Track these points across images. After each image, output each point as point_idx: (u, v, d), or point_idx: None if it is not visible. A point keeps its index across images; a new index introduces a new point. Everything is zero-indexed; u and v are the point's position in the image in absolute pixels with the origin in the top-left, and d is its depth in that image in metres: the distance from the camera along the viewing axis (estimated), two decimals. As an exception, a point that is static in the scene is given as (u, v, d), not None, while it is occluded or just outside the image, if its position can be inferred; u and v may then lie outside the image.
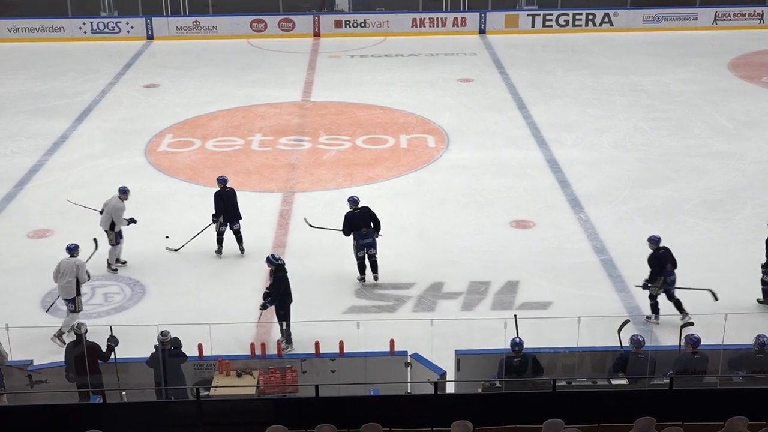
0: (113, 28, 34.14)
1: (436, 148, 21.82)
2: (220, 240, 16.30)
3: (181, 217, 17.95)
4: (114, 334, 11.62)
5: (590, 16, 34.34)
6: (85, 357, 11.35)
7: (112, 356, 11.59)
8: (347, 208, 15.30)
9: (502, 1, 35.08)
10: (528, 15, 34.37)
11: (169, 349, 11.45)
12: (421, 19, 34.35)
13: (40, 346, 12.71)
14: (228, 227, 16.19)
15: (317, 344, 11.85)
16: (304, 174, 20.34)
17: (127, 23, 34.17)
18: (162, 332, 11.44)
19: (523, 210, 18.15)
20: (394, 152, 21.64)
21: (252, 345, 12.15)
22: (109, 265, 15.86)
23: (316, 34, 34.25)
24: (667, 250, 13.93)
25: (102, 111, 25.29)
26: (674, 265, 13.87)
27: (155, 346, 11.51)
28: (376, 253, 15.27)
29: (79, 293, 13.73)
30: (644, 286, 13.93)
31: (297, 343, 13.16)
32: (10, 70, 29.91)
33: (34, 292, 15.12)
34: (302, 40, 33.62)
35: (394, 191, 19.34)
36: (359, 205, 15.26)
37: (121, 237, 15.88)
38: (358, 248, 15.19)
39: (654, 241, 13.93)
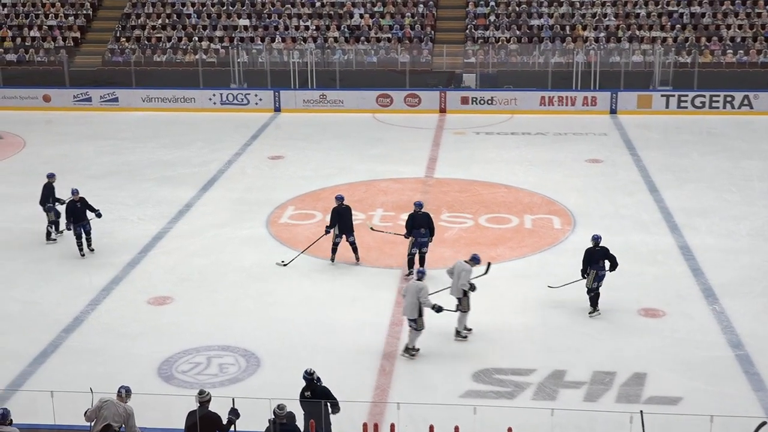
0: (242, 99, 35.05)
1: (561, 230, 21.23)
2: (334, 250, 18.94)
3: (299, 289, 17.93)
4: (236, 407, 11.48)
5: (728, 98, 33.32)
6: (198, 425, 11.20)
7: (232, 429, 11.42)
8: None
9: (635, 81, 34.41)
10: (662, 96, 33.58)
11: (281, 423, 11.19)
12: (549, 97, 34.03)
13: (154, 413, 12.59)
14: (344, 239, 18.80)
15: (431, 428, 11.39)
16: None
17: (256, 95, 35.04)
18: (279, 405, 11.24)
19: (653, 298, 17.32)
20: (518, 232, 21.15)
21: (365, 425, 11.79)
22: (457, 332, 15.87)
23: (442, 110, 34.31)
24: (603, 248, 16.31)
25: (227, 181, 25.72)
26: (611, 262, 16.31)
27: (269, 420, 11.28)
28: (427, 251, 18.22)
29: (421, 314, 14.88)
30: (583, 275, 16.53)
31: (411, 424, 12.67)
32: (142, 138, 30.92)
33: (151, 358, 15.15)
34: (428, 116, 33.73)
35: (517, 272, 18.81)
36: (422, 210, 18.29)
37: (470, 307, 15.81)
38: (412, 245, 18.18)
39: (594, 239, 16.43)
